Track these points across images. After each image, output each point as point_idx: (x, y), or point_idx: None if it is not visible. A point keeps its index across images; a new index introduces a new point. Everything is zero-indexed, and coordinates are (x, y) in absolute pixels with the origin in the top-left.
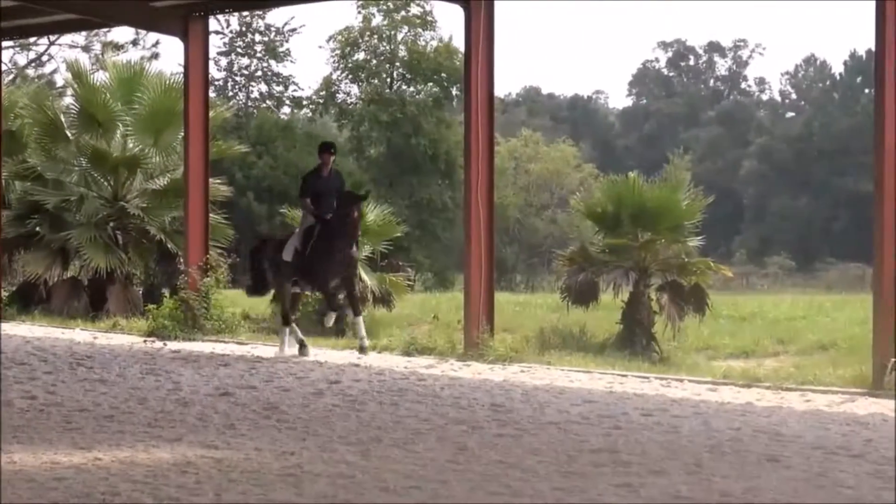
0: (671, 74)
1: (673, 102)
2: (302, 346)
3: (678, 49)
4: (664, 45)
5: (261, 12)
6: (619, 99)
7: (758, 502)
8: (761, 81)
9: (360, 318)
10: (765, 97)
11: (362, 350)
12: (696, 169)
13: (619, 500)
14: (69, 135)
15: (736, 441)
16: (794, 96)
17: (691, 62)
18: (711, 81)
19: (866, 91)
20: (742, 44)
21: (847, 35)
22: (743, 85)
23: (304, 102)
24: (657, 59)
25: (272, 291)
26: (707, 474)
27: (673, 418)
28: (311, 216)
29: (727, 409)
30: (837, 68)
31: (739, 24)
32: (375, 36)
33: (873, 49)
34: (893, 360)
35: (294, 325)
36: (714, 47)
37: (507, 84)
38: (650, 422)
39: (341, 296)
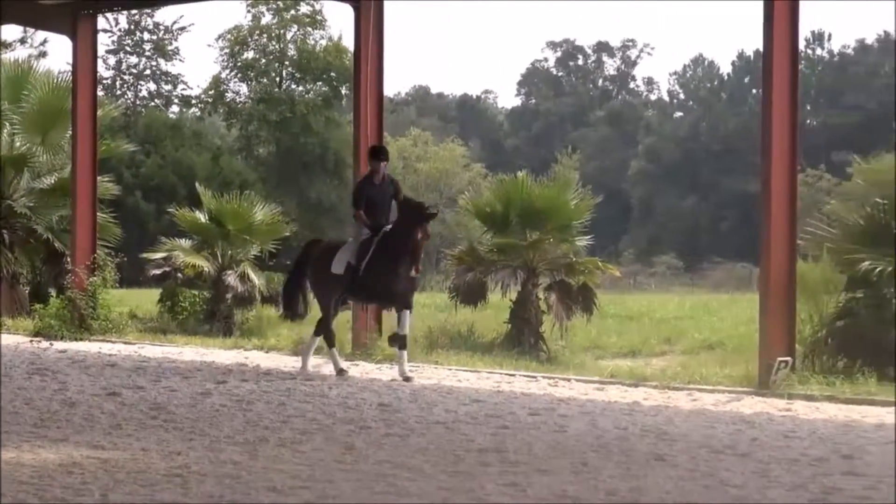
0: (560, 74)
1: (562, 102)
2: (341, 371)
3: (567, 49)
4: (553, 45)
5: (149, 10)
6: (508, 98)
7: (644, 501)
8: (650, 81)
9: (405, 353)
10: (653, 97)
11: (407, 379)
12: (585, 168)
13: (506, 500)
14: None
15: (622, 440)
16: (682, 96)
17: (580, 62)
18: (600, 81)
19: (754, 91)
20: (630, 44)
21: (735, 35)
22: (631, 85)
23: (193, 101)
24: (546, 59)
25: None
26: (593, 473)
27: (560, 418)
28: (366, 228)
29: (614, 409)
30: (725, 68)
31: (628, 25)
32: (265, 35)
33: (761, 49)
34: (779, 359)
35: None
36: (603, 47)
37: (396, 83)
38: (537, 421)
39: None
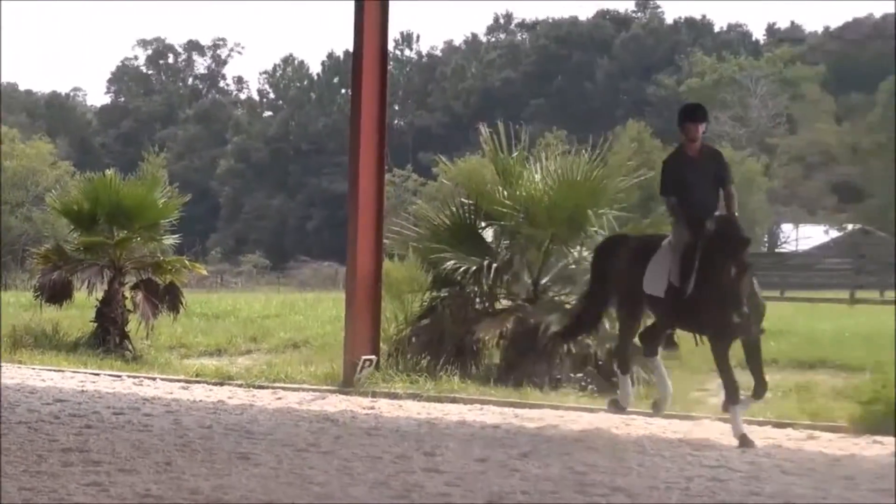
0: (150, 72)
1: (151, 101)
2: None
3: (157, 47)
4: (144, 43)
5: None
6: (97, 97)
7: (227, 500)
8: (240, 80)
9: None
10: (243, 96)
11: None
12: (174, 167)
13: (88, 500)
14: None
15: (207, 439)
16: (272, 95)
17: (170, 60)
18: (190, 80)
19: (343, 91)
20: (221, 42)
21: (326, 36)
22: (221, 84)
23: None
24: (136, 57)
25: None
26: (178, 472)
27: (144, 417)
28: (685, 229)
29: (199, 407)
30: (315, 68)
31: (219, 23)
32: None
33: (351, 49)
34: (364, 357)
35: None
36: (193, 46)
37: None
38: (122, 420)
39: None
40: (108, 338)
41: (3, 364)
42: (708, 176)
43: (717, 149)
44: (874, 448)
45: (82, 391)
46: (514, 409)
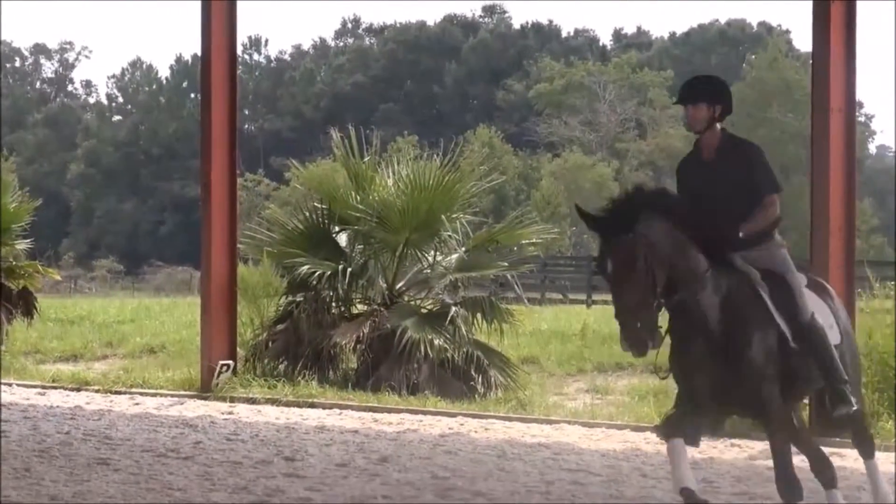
0: None
1: None
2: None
3: (4, 50)
4: None
5: None
6: None
7: None
8: (88, 84)
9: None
10: (92, 100)
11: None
12: (23, 171)
13: None
14: None
15: (66, 445)
16: (121, 100)
17: (17, 64)
18: (38, 83)
19: (193, 95)
20: (69, 46)
21: (173, 39)
22: (70, 87)
23: None
24: None
25: None
26: (37, 478)
27: (1, 423)
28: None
29: (56, 413)
30: (164, 72)
31: (66, 26)
32: None
33: (199, 53)
34: (221, 362)
35: None
36: (40, 49)
37: None
38: None
39: None
40: None
41: None
42: (727, 181)
43: (746, 140)
44: (732, 451)
45: None
46: (372, 413)
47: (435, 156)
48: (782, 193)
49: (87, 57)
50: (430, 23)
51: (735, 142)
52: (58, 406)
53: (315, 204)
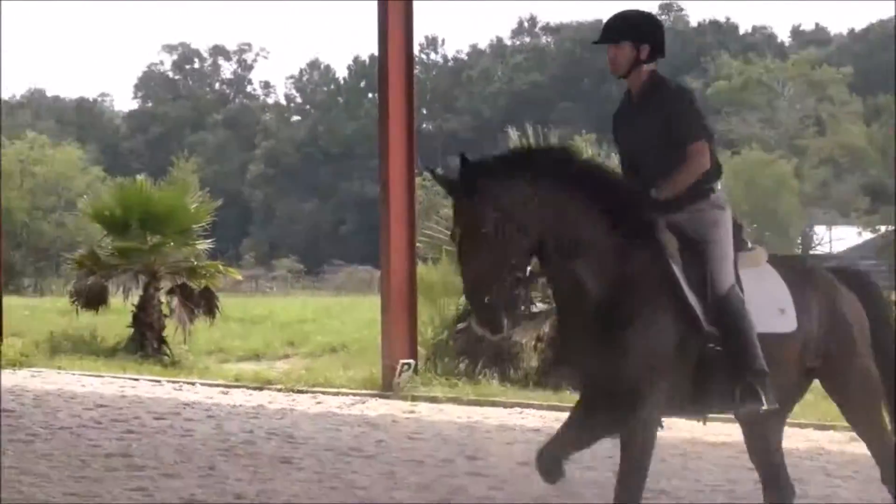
0: (176, 77)
1: (179, 105)
2: None
3: (183, 52)
4: (169, 48)
5: None
6: (125, 102)
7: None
8: (266, 85)
9: None
10: (270, 101)
11: None
12: (203, 172)
13: None
14: None
15: (249, 443)
16: (299, 100)
17: (196, 65)
18: (217, 85)
19: (370, 95)
20: (247, 47)
21: (351, 39)
22: (248, 88)
23: None
24: (162, 62)
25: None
26: (221, 477)
27: (186, 421)
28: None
29: (239, 412)
30: (342, 73)
31: (244, 28)
32: None
33: (377, 53)
34: (402, 361)
35: None
36: (219, 50)
37: (11, 85)
38: (163, 425)
39: None
40: (145, 343)
41: (43, 369)
42: (647, 132)
43: (672, 82)
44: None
45: (122, 396)
46: (555, 412)
47: (612, 154)
48: (715, 140)
49: (264, 58)
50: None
51: (657, 85)
52: (241, 405)
53: None
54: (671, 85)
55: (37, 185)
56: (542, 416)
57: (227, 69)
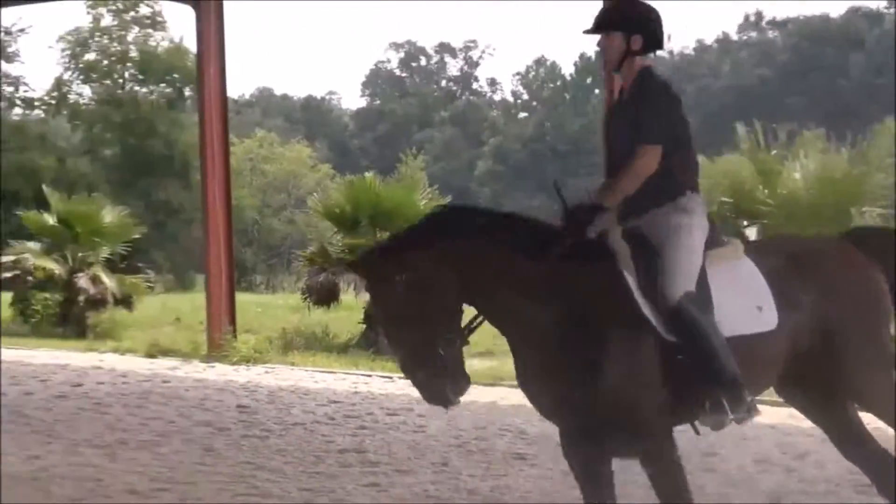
0: (403, 75)
1: (406, 103)
2: None
3: (409, 50)
4: (395, 46)
5: None
6: (352, 100)
7: (506, 500)
8: (493, 82)
9: None
10: (497, 98)
11: None
12: (431, 169)
13: (368, 500)
14: None
15: (481, 440)
16: (525, 97)
17: (423, 63)
18: (443, 82)
19: (596, 91)
20: (472, 44)
21: (576, 36)
22: (475, 85)
23: (36, 103)
24: (389, 60)
25: None
26: (454, 472)
27: (418, 417)
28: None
29: (472, 408)
30: (568, 69)
31: (469, 25)
32: (105, 36)
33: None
34: None
35: None
36: (445, 48)
37: (240, 85)
38: (396, 421)
39: None
40: (377, 339)
41: (276, 366)
42: (628, 123)
43: (657, 78)
44: None
45: (355, 392)
46: (789, 409)
47: (842, 148)
48: (681, 148)
49: (490, 55)
50: (834, 15)
51: (644, 80)
52: (473, 401)
53: (721, 198)
54: (657, 83)
55: (267, 182)
56: (776, 413)
57: (454, 66)
